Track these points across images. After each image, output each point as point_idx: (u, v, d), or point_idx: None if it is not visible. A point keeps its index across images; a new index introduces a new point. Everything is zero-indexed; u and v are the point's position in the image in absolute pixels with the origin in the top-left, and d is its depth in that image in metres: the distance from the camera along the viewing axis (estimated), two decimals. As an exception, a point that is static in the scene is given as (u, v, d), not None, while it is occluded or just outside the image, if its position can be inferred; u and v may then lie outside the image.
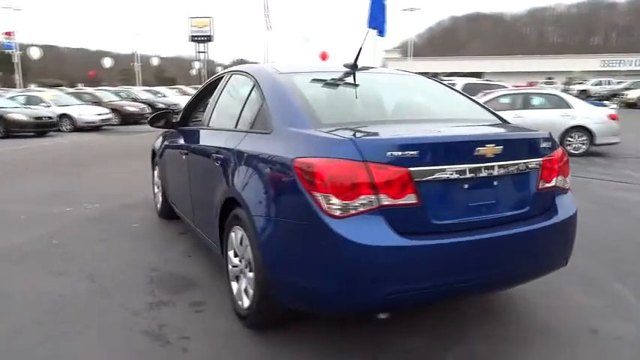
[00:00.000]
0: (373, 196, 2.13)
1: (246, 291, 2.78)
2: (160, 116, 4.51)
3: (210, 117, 3.68)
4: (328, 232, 2.12)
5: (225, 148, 3.05)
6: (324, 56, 20.32)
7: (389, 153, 2.15)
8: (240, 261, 2.86)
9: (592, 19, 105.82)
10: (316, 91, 2.88)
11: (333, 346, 2.62)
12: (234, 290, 2.94)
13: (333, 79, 3.01)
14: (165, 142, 4.71)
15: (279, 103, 2.73)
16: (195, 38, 57.63)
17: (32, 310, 3.04)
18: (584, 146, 10.39)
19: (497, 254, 2.33)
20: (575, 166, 8.19)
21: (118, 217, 5.29)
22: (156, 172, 5.32)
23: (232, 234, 2.90)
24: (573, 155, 10.01)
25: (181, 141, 4.18)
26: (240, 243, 2.79)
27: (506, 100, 11.12)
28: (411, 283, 2.17)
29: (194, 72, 55.99)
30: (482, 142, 2.32)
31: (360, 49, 3.28)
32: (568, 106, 10.76)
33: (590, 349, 2.62)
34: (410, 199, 2.18)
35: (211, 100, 3.77)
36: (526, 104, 10.92)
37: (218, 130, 3.48)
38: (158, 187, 5.27)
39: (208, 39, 57.85)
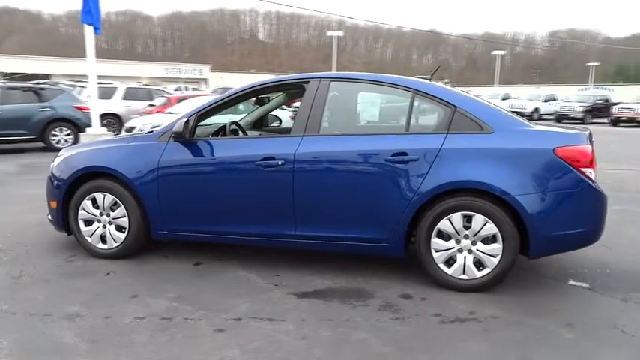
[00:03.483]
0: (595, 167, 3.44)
1: (478, 263, 3.40)
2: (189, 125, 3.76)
3: (320, 125, 3.64)
4: (596, 193, 3.30)
5: (415, 150, 3.40)
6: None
7: (591, 140, 3.49)
8: (457, 242, 3.42)
9: (133, 28, 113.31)
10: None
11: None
12: (450, 269, 3.44)
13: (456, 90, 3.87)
14: (175, 158, 3.83)
15: (483, 112, 3.46)
16: None
17: None
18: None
19: None
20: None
21: (57, 272, 3.75)
22: (89, 203, 4.05)
23: (446, 221, 3.40)
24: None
25: (240, 153, 3.73)
26: (464, 226, 3.37)
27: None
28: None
29: None
30: None
31: (439, 67, 4.18)
32: (263, 109, 12.91)
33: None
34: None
35: (307, 109, 3.67)
36: (236, 109, 12.38)
37: (365, 135, 3.61)
38: (96, 222, 4.06)
39: None
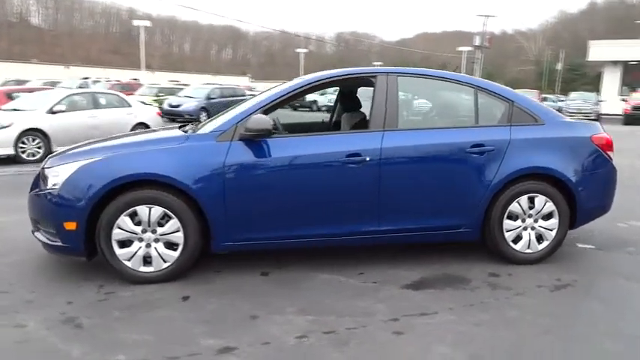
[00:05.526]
0: (609, 150, 4.22)
1: (540, 238, 3.89)
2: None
3: (397, 119, 3.69)
4: (615, 171, 4.07)
5: (490, 140, 3.72)
6: None
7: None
8: (522, 221, 3.86)
9: None
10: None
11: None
12: (517, 246, 3.86)
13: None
14: (245, 159, 3.42)
15: (534, 106, 3.95)
16: None
17: None
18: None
19: None
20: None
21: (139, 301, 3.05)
22: (127, 219, 3.36)
23: (516, 204, 3.81)
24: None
25: (322, 150, 3.55)
26: (529, 206, 3.83)
27: (76, 99, 10.60)
28: None
29: None
30: None
31: (457, 67, 4.52)
32: (128, 105, 11.61)
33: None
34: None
35: (382, 104, 3.67)
36: (96, 104, 10.88)
37: (441, 128, 3.78)
38: (137, 241, 3.41)
39: None
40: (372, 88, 3.73)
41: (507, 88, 4.11)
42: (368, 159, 3.55)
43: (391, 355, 2.57)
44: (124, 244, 3.41)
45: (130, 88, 24.06)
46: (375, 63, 70.90)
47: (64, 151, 3.87)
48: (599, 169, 4.00)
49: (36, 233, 3.66)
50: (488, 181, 3.73)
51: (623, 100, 25.74)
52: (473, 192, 3.73)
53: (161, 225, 3.42)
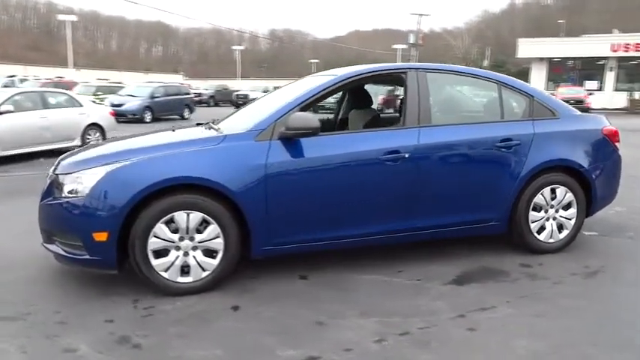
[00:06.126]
0: (612, 141, 4.45)
1: (560, 227, 4.03)
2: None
3: (431, 116, 3.68)
4: (621, 161, 4.29)
5: (517, 135, 3.80)
6: None
7: (608, 121, 4.49)
8: (545, 212, 3.98)
9: None
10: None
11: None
12: (541, 236, 3.98)
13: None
14: (287, 159, 3.27)
15: (551, 100, 4.08)
16: None
17: None
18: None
19: None
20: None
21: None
22: (164, 226, 3.12)
23: (540, 195, 3.92)
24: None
25: (362, 148, 3.48)
26: (551, 197, 3.96)
27: (24, 99, 9.76)
28: None
29: None
30: None
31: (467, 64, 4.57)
32: (80, 104, 10.87)
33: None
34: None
35: (415, 100, 3.65)
36: (46, 104, 10.08)
37: (471, 124, 3.79)
38: (174, 250, 3.18)
39: None
40: (386, 85, 3.71)
41: (526, 83, 4.22)
42: (407, 156, 3.52)
43: (478, 352, 2.55)
44: (160, 253, 3.16)
45: (64, 87, 22.55)
46: (312, 60, 71.18)
47: (73, 154, 3.55)
48: (609, 159, 4.21)
49: (49, 246, 3.33)
50: (517, 174, 3.82)
51: (552, 94, 27.50)
52: (504, 185, 3.80)
53: (199, 232, 3.21)
